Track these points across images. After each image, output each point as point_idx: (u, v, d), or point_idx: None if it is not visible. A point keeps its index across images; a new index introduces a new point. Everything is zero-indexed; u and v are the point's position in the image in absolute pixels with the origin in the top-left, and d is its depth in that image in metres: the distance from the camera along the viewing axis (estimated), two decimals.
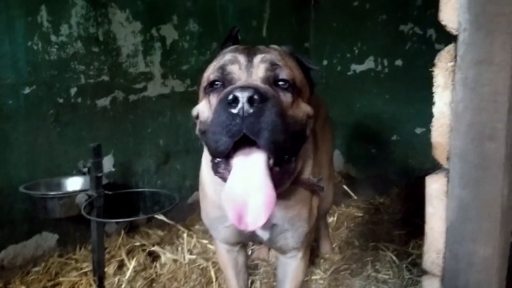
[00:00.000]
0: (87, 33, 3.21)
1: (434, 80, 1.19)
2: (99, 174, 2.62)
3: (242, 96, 1.26)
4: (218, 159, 1.46)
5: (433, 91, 1.20)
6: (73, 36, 3.14)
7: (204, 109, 1.55)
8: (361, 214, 3.93)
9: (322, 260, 3.08)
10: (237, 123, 1.27)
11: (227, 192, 1.36)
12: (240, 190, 1.35)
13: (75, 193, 2.74)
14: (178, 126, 3.89)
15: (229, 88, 1.36)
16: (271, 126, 1.28)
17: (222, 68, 1.49)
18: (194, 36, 3.90)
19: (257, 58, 1.47)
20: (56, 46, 3.05)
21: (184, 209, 3.96)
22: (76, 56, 3.17)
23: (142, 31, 3.55)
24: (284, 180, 1.49)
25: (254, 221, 1.33)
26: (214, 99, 1.49)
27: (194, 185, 4.07)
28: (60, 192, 2.83)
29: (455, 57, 1.13)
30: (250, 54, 1.49)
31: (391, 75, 4.63)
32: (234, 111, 1.27)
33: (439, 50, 4.20)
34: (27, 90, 2.92)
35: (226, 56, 1.52)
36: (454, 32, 1.13)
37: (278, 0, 4.66)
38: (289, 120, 1.40)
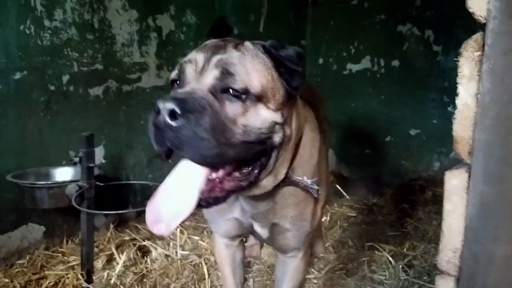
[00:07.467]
0: (81, 19, 3.11)
1: (459, 70, 1.13)
2: (91, 165, 2.53)
3: (163, 108, 1.20)
4: None
5: (457, 81, 1.13)
6: (67, 21, 3.04)
7: None
8: (355, 214, 3.89)
9: (316, 260, 3.03)
10: (159, 134, 1.25)
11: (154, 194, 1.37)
12: (162, 196, 1.35)
13: (65, 183, 2.65)
14: None
15: (158, 98, 1.30)
16: (193, 140, 1.22)
17: (181, 67, 1.42)
18: (191, 28, 3.82)
19: (213, 61, 1.37)
20: (49, 31, 2.95)
21: None
22: (69, 42, 3.07)
23: (138, 20, 3.46)
24: (230, 188, 1.44)
25: (165, 230, 1.32)
26: None
27: None
28: (49, 182, 2.73)
29: (483, 46, 1.08)
30: (213, 54, 1.40)
31: (387, 76, 4.60)
32: (157, 122, 1.23)
33: (436, 52, 4.19)
34: (17, 76, 2.82)
35: (190, 55, 1.45)
36: (482, 20, 1.08)
37: None
38: (235, 130, 1.32)
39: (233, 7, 4.12)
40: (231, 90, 1.34)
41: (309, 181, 1.65)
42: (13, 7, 2.75)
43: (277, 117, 1.43)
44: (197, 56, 1.41)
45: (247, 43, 1.49)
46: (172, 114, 1.20)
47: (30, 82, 2.89)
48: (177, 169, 1.39)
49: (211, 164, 1.32)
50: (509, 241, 1.09)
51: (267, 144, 1.44)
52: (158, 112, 1.22)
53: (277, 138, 1.46)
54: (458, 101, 1.15)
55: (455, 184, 1.18)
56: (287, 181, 1.63)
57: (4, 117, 2.78)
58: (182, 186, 1.35)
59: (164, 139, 1.24)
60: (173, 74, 1.45)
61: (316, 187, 1.65)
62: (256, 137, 1.38)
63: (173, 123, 1.20)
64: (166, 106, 1.20)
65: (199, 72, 1.37)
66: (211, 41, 1.54)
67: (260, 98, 1.39)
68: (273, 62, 1.47)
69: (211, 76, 1.35)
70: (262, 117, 1.39)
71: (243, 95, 1.35)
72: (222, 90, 1.34)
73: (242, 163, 1.43)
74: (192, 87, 1.34)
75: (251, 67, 1.40)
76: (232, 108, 1.33)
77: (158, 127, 1.23)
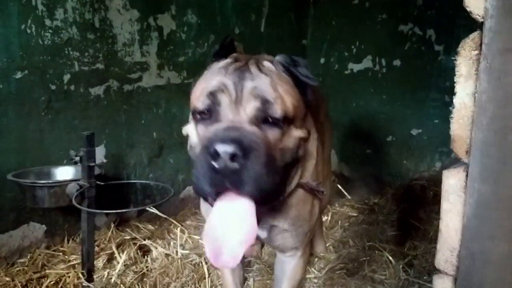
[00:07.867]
0: (82, 18, 3.12)
1: (456, 69, 1.13)
2: (92, 164, 2.53)
3: (225, 152, 1.19)
4: None
5: (455, 80, 1.14)
6: (68, 21, 3.04)
7: (192, 134, 1.53)
8: (356, 214, 3.88)
9: (316, 259, 3.03)
10: (219, 178, 1.23)
11: (207, 230, 1.33)
12: (220, 229, 1.31)
13: (66, 182, 2.65)
14: (173, 118, 3.81)
15: (212, 136, 1.27)
16: (254, 179, 1.23)
17: (212, 97, 1.38)
18: (192, 27, 3.83)
19: (247, 88, 1.36)
20: (50, 31, 2.95)
21: (176, 204, 3.89)
22: (70, 42, 3.07)
23: (139, 20, 3.46)
24: (268, 208, 1.50)
25: (231, 260, 1.29)
26: (201, 130, 1.43)
27: (187, 179, 4.00)
28: (50, 181, 2.74)
29: (480, 45, 1.08)
30: (240, 79, 1.38)
31: (389, 75, 4.59)
32: (216, 166, 1.21)
33: (438, 51, 4.16)
34: (18, 75, 2.82)
35: (214, 81, 1.41)
36: (480, 19, 1.08)
37: None
38: (277, 157, 1.34)
39: (234, 7, 4.12)
40: (270, 119, 1.35)
41: (314, 184, 1.67)
42: (14, 7, 2.75)
43: (303, 133, 1.48)
44: (227, 84, 1.38)
45: (266, 63, 1.50)
46: (233, 158, 1.20)
47: (31, 81, 2.89)
48: (221, 204, 1.33)
49: (263, 196, 1.30)
50: (506, 240, 1.09)
51: (293, 161, 1.48)
52: (216, 156, 1.20)
53: (301, 152, 1.50)
54: (456, 100, 1.15)
55: (452, 183, 1.18)
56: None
57: (5, 116, 2.79)
58: (236, 217, 1.31)
59: (221, 181, 1.23)
60: (202, 105, 1.41)
61: (322, 189, 1.68)
62: (290, 158, 1.43)
63: (236, 165, 1.20)
64: (227, 150, 1.19)
65: (233, 102, 1.36)
66: (226, 62, 1.52)
67: (292, 120, 1.42)
68: (292, 79, 1.50)
69: (251, 107, 1.35)
70: (293, 137, 1.44)
71: (281, 122, 1.37)
72: (264, 118, 1.35)
73: (270, 194, 1.41)
74: (232, 120, 1.33)
75: (283, 91, 1.42)
76: (272, 136, 1.36)
77: (217, 170, 1.22)
